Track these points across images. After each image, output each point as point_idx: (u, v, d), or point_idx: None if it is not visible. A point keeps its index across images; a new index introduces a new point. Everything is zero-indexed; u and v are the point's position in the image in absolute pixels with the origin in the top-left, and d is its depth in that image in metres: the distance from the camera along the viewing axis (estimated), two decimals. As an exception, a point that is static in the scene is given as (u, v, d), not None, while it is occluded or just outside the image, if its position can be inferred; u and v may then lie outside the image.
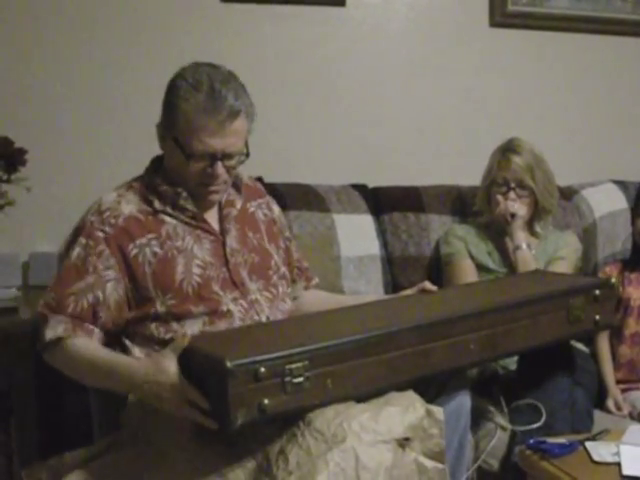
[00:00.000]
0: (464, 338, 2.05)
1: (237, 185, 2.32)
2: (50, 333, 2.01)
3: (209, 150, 2.07)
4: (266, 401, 1.71)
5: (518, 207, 2.99)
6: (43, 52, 3.15)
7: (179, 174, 2.15)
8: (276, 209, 2.47)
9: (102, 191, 2.21)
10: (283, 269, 2.35)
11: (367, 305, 2.32)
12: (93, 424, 2.41)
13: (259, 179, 3.08)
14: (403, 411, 1.81)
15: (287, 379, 1.74)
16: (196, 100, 2.05)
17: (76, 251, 2.08)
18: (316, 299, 2.48)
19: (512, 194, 3.00)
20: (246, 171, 2.49)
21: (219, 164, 2.10)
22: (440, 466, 1.82)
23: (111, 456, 1.99)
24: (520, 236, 2.97)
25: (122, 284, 2.08)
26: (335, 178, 3.35)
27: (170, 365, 1.81)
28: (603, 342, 2.93)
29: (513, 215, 2.99)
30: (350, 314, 2.21)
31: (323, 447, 1.72)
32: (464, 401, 2.15)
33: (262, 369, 1.70)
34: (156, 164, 2.26)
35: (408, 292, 2.36)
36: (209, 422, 1.77)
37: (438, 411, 1.85)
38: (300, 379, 1.75)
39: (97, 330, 2.06)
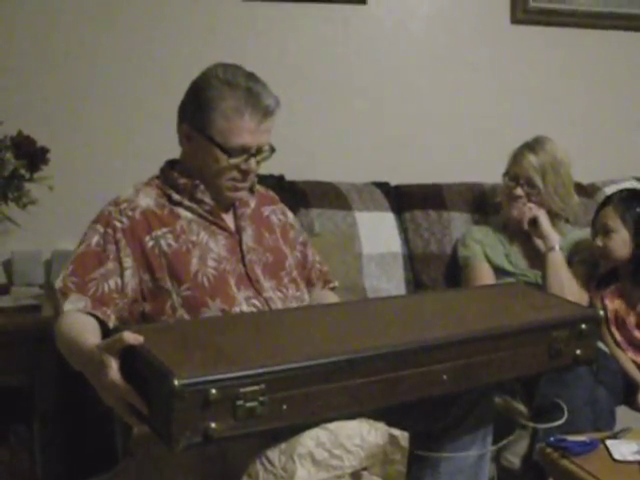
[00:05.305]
0: (437, 368, 1.85)
1: (250, 187, 2.33)
2: (69, 305, 1.99)
3: (247, 147, 2.12)
4: (213, 425, 1.53)
5: (536, 210, 2.99)
6: (64, 51, 3.17)
7: (206, 173, 2.16)
8: (290, 215, 2.48)
9: (124, 189, 2.21)
10: (294, 273, 2.34)
11: (341, 317, 2.13)
12: (115, 424, 2.40)
13: (281, 177, 3.11)
14: (363, 439, 1.70)
15: (239, 403, 1.56)
16: (234, 99, 2.08)
17: (95, 239, 2.09)
18: (321, 299, 2.41)
19: (519, 190, 3.01)
20: (268, 169, 2.50)
21: (253, 160, 2.15)
22: None
23: None
24: (554, 237, 2.97)
25: (137, 275, 2.09)
26: (357, 176, 3.36)
27: (111, 363, 1.65)
28: (611, 341, 2.91)
29: (534, 220, 2.99)
30: (321, 327, 1.99)
31: None
32: (489, 399, 2.15)
33: (213, 391, 1.52)
34: (171, 164, 2.27)
35: None
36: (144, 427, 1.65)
37: (402, 437, 1.74)
38: (253, 404, 1.57)
39: (113, 317, 2.04)
